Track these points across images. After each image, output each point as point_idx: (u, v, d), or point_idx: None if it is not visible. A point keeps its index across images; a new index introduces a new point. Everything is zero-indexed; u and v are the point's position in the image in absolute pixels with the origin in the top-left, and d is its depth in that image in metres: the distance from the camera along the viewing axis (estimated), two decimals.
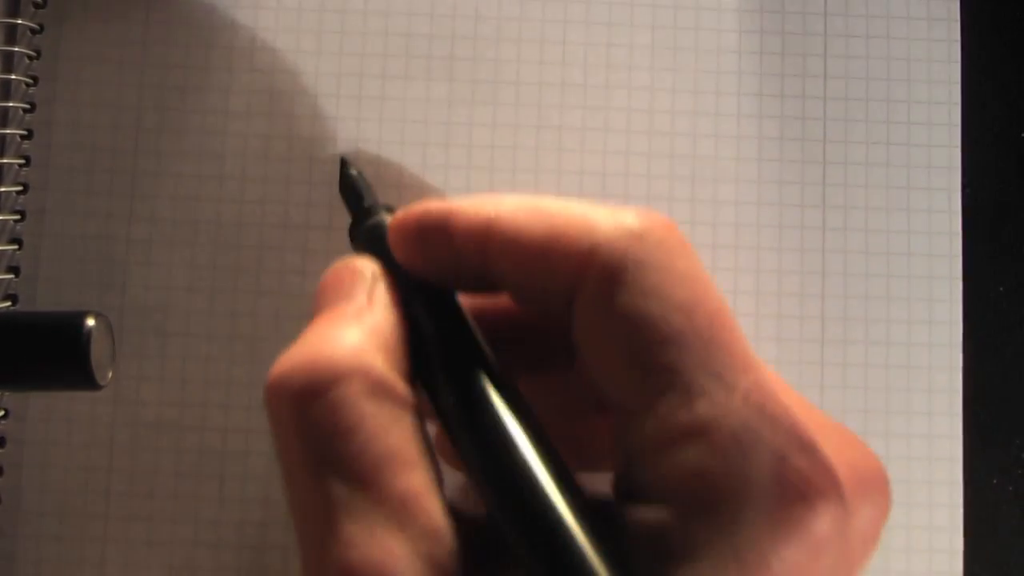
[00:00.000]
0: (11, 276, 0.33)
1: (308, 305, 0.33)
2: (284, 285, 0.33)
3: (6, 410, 0.32)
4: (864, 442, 0.21)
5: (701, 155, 0.34)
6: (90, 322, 0.27)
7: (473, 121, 0.34)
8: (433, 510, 0.18)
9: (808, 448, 0.18)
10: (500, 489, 0.18)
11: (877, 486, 0.20)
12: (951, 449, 0.33)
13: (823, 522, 0.17)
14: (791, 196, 0.34)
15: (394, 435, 0.18)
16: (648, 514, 0.18)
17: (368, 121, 0.34)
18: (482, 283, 0.21)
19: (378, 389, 0.19)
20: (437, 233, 0.21)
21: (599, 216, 0.20)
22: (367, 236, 0.25)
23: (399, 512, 0.18)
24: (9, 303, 0.33)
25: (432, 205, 0.22)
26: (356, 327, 0.20)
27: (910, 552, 0.33)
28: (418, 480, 0.18)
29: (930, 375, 0.34)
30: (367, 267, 0.22)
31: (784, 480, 0.17)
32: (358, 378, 0.18)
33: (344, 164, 0.31)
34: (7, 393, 0.32)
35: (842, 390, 0.34)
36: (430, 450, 0.19)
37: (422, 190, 0.34)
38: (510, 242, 0.20)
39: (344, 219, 0.34)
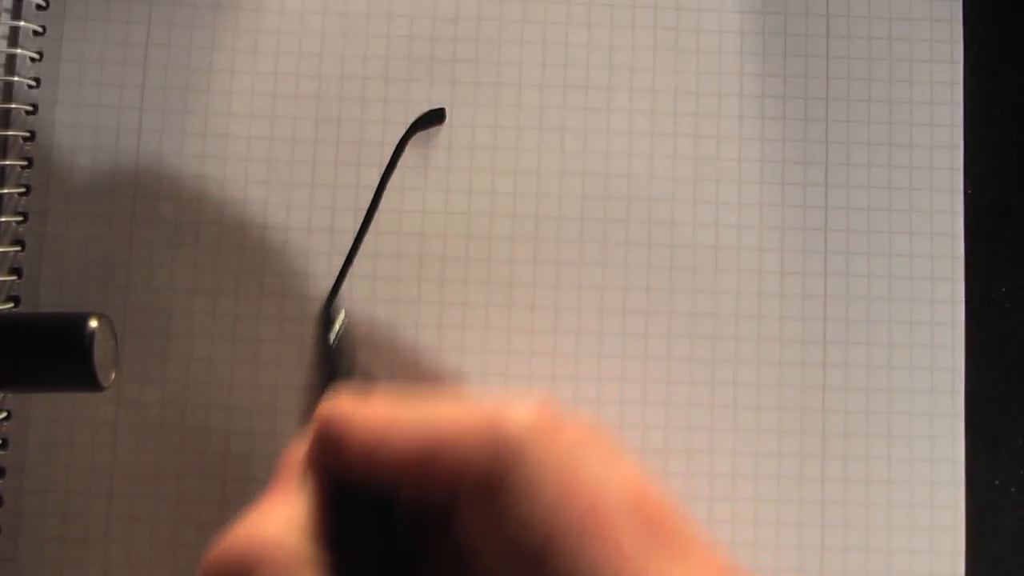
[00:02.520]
0: (14, 278, 0.33)
1: (310, 307, 0.33)
2: (286, 287, 0.33)
3: (9, 412, 0.32)
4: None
5: (703, 156, 0.34)
6: (93, 324, 0.27)
7: (475, 123, 0.34)
8: None
9: None
10: None
11: None
12: (953, 450, 0.33)
13: None
14: (793, 197, 0.34)
15: None
16: None
17: (371, 124, 0.34)
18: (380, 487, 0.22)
19: (295, 565, 0.20)
20: (334, 448, 0.22)
21: (458, 432, 0.20)
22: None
23: None
24: (12, 304, 0.33)
25: (335, 417, 0.22)
26: (282, 510, 0.21)
27: (912, 553, 0.33)
28: None
29: (932, 376, 0.34)
30: (299, 454, 0.23)
31: None
32: (275, 559, 0.20)
33: (332, 317, 0.30)
34: (10, 395, 0.32)
35: (844, 391, 0.34)
36: None
37: (423, 190, 0.34)
38: (394, 467, 0.21)
39: (344, 220, 0.34)
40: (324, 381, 0.27)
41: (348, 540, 0.22)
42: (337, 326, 0.28)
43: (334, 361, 0.28)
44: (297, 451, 0.23)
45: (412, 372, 0.33)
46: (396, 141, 0.34)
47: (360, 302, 0.33)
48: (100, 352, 0.28)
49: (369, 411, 0.22)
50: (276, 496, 0.22)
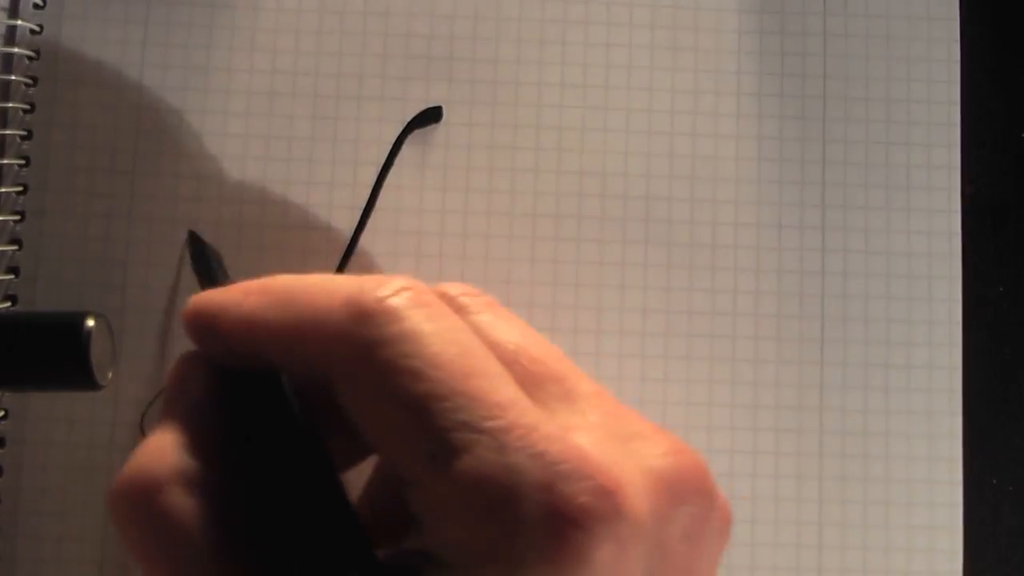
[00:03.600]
0: (11, 277, 0.33)
1: None
2: None
3: (6, 411, 0.32)
4: (680, 440, 0.21)
5: (700, 155, 0.34)
6: (90, 322, 0.27)
7: (472, 121, 0.34)
8: None
9: (576, 474, 0.17)
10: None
11: (694, 485, 0.20)
12: (951, 448, 0.33)
13: (603, 546, 0.17)
14: (791, 196, 0.34)
15: (198, 531, 0.20)
16: None
17: (367, 122, 0.34)
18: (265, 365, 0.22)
19: (186, 485, 0.20)
20: (211, 332, 0.22)
21: (328, 301, 0.20)
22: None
23: None
24: (9, 303, 0.33)
25: (205, 301, 0.22)
26: (168, 429, 0.21)
27: (911, 551, 0.33)
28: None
29: (930, 374, 0.34)
30: (187, 362, 0.23)
31: (553, 513, 0.17)
32: (158, 483, 0.20)
33: (192, 240, 0.31)
34: (7, 394, 0.32)
35: (842, 390, 0.34)
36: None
37: (420, 188, 0.34)
38: (268, 339, 0.21)
39: (341, 218, 0.34)
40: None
41: (244, 430, 0.22)
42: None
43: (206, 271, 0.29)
44: (177, 365, 0.23)
45: None
46: (393, 139, 0.34)
47: None
48: (97, 351, 0.27)
49: (237, 292, 0.22)
50: (164, 411, 0.22)
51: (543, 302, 0.33)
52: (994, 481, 0.34)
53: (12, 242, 0.33)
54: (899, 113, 0.35)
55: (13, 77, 0.33)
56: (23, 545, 0.32)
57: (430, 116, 0.34)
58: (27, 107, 0.33)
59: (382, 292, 0.19)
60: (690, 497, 0.19)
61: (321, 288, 0.21)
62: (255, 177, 0.34)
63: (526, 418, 0.18)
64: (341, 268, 0.33)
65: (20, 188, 0.33)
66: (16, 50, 0.33)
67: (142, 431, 0.33)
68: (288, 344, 0.21)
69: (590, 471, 0.18)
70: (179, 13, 0.34)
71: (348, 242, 0.33)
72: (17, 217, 0.33)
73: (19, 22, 0.33)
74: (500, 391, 0.18)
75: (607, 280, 0.34)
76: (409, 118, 0.34)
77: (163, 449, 0.21)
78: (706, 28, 0.35)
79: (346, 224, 0.34)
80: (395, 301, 0.19)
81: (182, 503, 0.20)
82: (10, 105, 0.33)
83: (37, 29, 0.34)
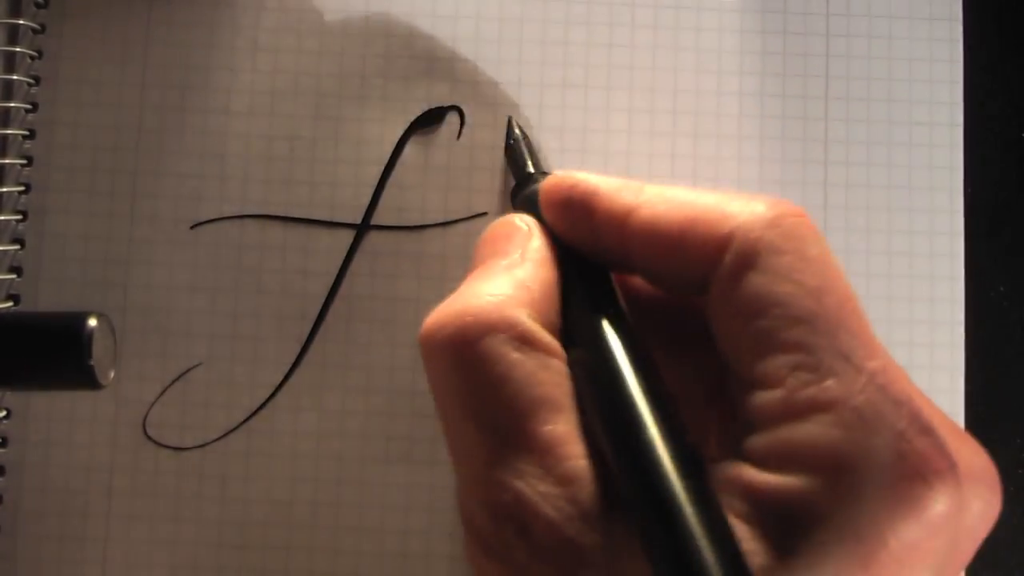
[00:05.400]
0: (13, 276, 0.33)
1: (310, 305, 0.33)
2: (286, 285, 0.33)
3: (8, 410, 0.32)
4: (977, 442, 0.21)
5: (703, 156, 0.34)
6: (92, 322, 0.27)
7: (474, 122, 0.34)
8: (576, 455, 0.19)
9: (928, 431, 0.18)
10: (624, 468, 0.19)
11: (989, 483, 0.20)
12: None
13: (940, 503, 0.18)
14: (793, 196, 0.34)
15: (540, 384, 0.20)
16: (771, 482, 0.18)
17: (370, 121, 0.34)
18: (620, 263, 0.23)
19: (524, 340, 0.20)
20: (580, 211, 0.23)
21: (733, 205, 0.21)
22: (525, 202, 0.26)
23: (545, 457, 0.19)
24: (11, 303, 0.33)
25: (579, 182, 0.23)
26: (506, 281, 0.21)
27: None
28: (563, 427, 0.20)
29: (931, 375, 0.34)
30: (523, 224, 0.24)
31: (904, 459, 0.18)
32: (504, 330, 0.20)
33: (510, 127, 0.33)
34: (9, 393, 0.33)
35: None
36: (576, 395, 0.20)
37: (422, 188, 0.34)
38: (648, 230, 0.21)
39: (343, 218, 0.34)
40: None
41: (571, 309, 0.22)
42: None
43: (523, 156, 0.30)
44: (508, 224, 0.23)
45: None
46: (395, 139, 0.34)
47: (358, 300, 0.33)
48: (99, 351, 0.28)
49: (614, 182, 0.23)
50: (495, 264, 0.22)
51: None
52: None
53: (14, 241, 0.33)
54: (901, 113, 0.35)
55: (15, 76, 0.33)
56: (25, 545, 0.32)
57: (433, 116, 0.34)
58: (29, 106, 0.33)
59: (780, 209, 0.20)
60: (985, 495, 0.20)
61: (709, 196, 0.21)
62: (257, 177, 0.34)
63: (891, 369, 0.19)
64: (344, 268, 0.33)
65: (22, 187, 0.33)
66: (18, 49, 0.33)
67: (144, 431, 0.33)
68: (672, 243, 0.21)
69: (935, 433, 0.18)
70: (181, 12, 0.34)
71: (351, 242, 0.33)
72: (19, 216, 0.33)
73: (21, 21, 0.33)
74: (872, 335, 0.20)
75: None
76: (411, 118, 0.34)
77: (500, 300, 0.21)
78: (708, 28, 0.35)
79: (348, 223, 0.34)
80: (793, 220, 0.20)
81: (524, 358, 0.20)
82: (12, 104, 0.33)
83: (39, 28, 0.34)
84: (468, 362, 0.20)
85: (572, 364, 0.21)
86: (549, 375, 0.20)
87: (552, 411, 0.20)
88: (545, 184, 0.24)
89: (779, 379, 0.19)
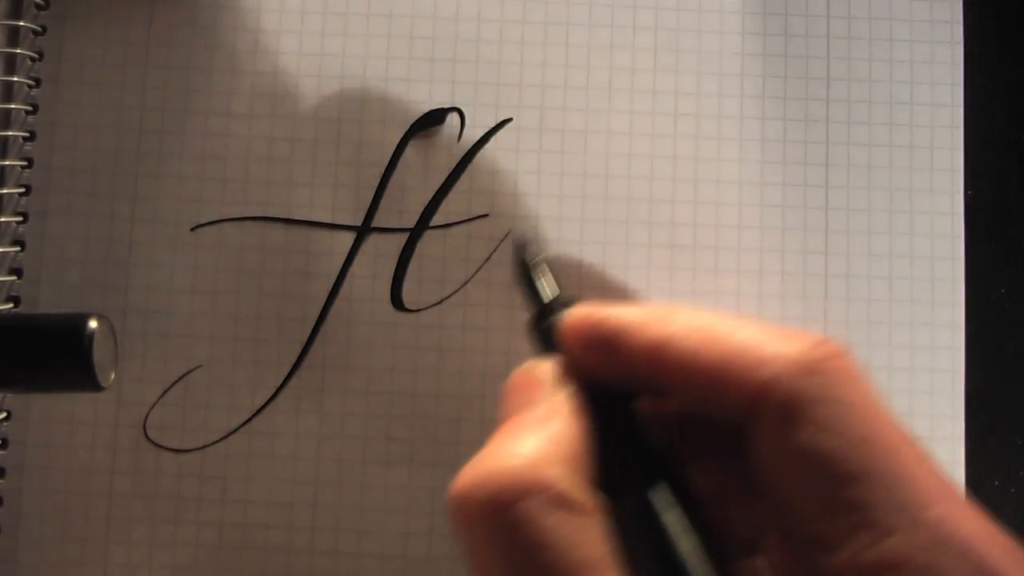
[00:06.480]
0: (14, 278, 0.33)
1: (311, 307, 0.33)
2: (287, 287, 0.33)
3: (9, 412, 0.32)
4: None
5: (704, 157, 0.34)
6: (92, 324, 0.27)
7: (475, 124, 0.34)
8: None
9: None
10: None
11: None
12: (953, 451, 0.33)
13: None
14: (794, 198, 0.34)
15: (578, 547, 0.19)
16: None
17: (371, 124, 0.34)
18: (652, 390, 0.22)
19: (561, 501, 0.19)
20: (609, 347, 0.22)
21: (771, 347, 0.20)
22: (545, 336, 0.25)
23: None
24: (12, 305, 0.33)
25: (604, 320, 0.22)
26: (536, 438, 0.21)
27: None
28: None
29: (932, 377, 0.34)
30: (547, 373, 0.23)
31: None
32: (539, 492, 0.19)
33: (521, 252, 0.28)
34: (10, 395, 0.32)
35: None
36: (621, 547, 0.20)
37: (423, 191, 0.34)
38: (681, 367, 0.21)
39: (344, 220, 0.34)
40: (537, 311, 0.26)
41: (606, 458, 0.21)
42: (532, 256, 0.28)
43: (539, 287, 0.28)
44: (532, 373, 0.23)
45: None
46: (396, 141, 0.34)
47: (359, 302, 0.33)
48: (100, 352, 0.28)
49: (642, 315, 0.22)
50: (524, 419, 0.22)
51: None
52: (996, 483, 0.34)
53: (15, 243, 0.33)
54: (902, 116, 0.35)
55: (16, 78, 0.33)
56: (25, 546, 0.32)
57: (434, 118, 0.34)
58: (30, 108, 0.33)
59: (818, 353, 0.20)
60: None
61: (744, 330, 0.21)
62: (258, 179, 0.34)
63: (953, 515, 0.19)
64: (344, 270, 0.33)
65: (23, 189, 0.33)
66: (19, 51, 0.33)
67: (145, 433, 0.33)
68: (708, 383, 0.21)
69: None
70: (182, 14, 0.34)
71: (351, 244, 0.33)
72: (20, 218, 0.33)
73: (22, 23, 0.33)
74: (930, 478, 0.19)
75: (610, 283, 0.34)
76: (412, 120, 0.34)
77: (532, 459, 0.20)
78: (709, 30, 0.35)
79: (349, 226, 0.34)
80: (837, 363, 0.20)
81: (561, 521, 0.19)
82: (13, 106, 0.33)
83: (40, 30, 0.34)
84: (503, 528, 0.19)
85: (616, 516, 0.21)
86: (588, 536, 0.19)
87: (593, 573, 0.19)
88: (568, 323, 0.23)
89: (840, 540, 0.19)
